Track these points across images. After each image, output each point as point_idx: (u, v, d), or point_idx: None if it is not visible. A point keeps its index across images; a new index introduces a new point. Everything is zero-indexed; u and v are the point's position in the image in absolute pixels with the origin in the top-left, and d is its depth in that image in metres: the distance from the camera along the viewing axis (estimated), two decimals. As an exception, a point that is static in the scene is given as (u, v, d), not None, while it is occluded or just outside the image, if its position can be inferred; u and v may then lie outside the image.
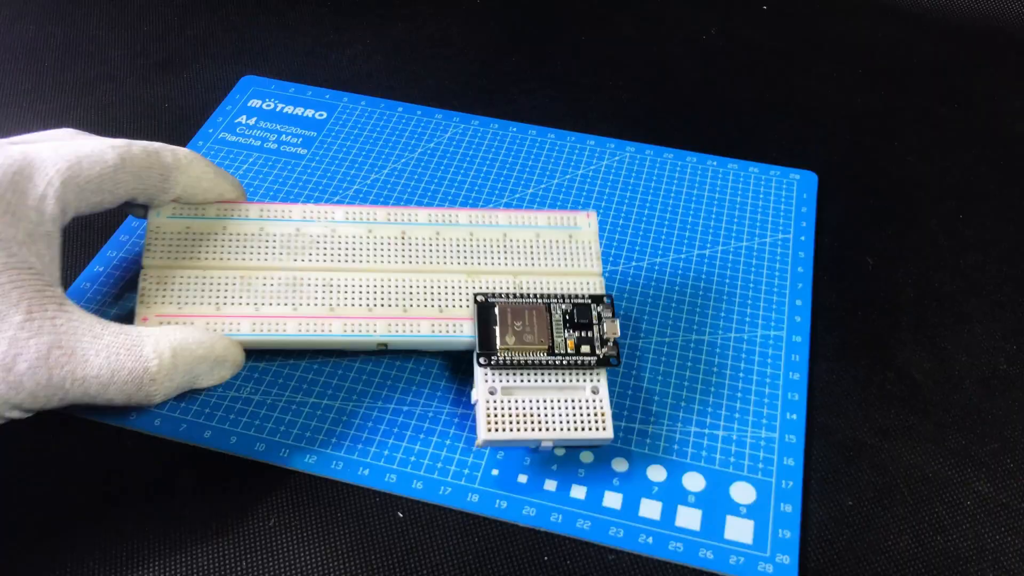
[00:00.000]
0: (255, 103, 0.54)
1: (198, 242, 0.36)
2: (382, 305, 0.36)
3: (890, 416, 0.39)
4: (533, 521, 0.35)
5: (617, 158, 0.50)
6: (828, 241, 0.46)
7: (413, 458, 0.36)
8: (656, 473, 0.36)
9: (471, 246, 0.38)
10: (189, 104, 0.54)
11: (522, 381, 0.34)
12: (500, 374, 0.34)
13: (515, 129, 0.52)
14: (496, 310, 0.35)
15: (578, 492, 0.35)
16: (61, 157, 0.33)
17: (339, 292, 0.36)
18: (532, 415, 0.34)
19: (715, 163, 0.50)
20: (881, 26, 0.61)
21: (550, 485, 0.36)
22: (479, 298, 0.36)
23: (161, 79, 0.56)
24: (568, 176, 0.49)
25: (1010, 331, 0.42)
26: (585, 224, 0.39)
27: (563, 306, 0.36)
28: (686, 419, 0.38)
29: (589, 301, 0.37)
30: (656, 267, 0.43)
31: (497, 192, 0.48)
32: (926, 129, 0.53)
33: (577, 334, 0.36)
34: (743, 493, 0.35)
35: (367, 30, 0.60)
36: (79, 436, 0.37)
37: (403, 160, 0.50)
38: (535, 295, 0.36)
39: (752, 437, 0.37)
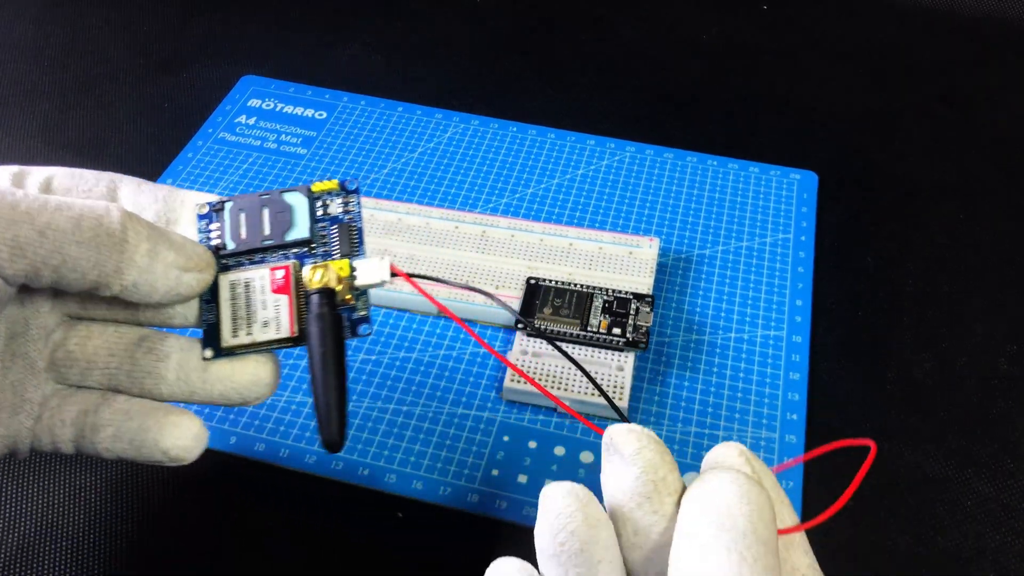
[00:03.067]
0: (255, 103, 0.54)
1: None
2: (449, 278, 0.41)
3: (890, 416, 0.39)
4: (533, 521, 0.35)
5: (617, 158, 0.50)
6: (828, 241, 0.46)
7: (413, 458, 0.36)
8: (656, 473, 0.36)
9: (540, 249, 0.43)
10: (189, 104, 0.54)
11: (553, 350, 0.38)
12: (534, 341, 0.39)
13: (515, 129, 0.52)
14: (542, 289, 0.40)
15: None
16: None
17: (416, 264, 0.42)
18: (554, 377, 0.38)
19: (715, 163, 0.50)
20: (881, 26, 0.61)
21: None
22: (531, 280, 0.41)
23: (161, 79, 0.56)
24: (568, 176, 0.49)
25: (1010, 331, 0.42)
26: (646, 246, 0.43)
27: (605, 297, 0.40)
28: (686, 419, 0.38)
29: (631, 296, 0.40)
30: (656, 267, 0.43)
31: (497, 192, 0.48)
32: (926, 129, 0.53)
33: (612, 319, 0.39)
34: (743, 493, 0.35)
35: (367, 30, 0.60)
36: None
37: (403, 160, 0.50)
38: (583, 285, 0.40)
39: (752, 437, 0.37)
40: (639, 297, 0.40)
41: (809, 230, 0.46)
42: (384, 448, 0.37)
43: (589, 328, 0.39)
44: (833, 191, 0.49)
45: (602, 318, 0.39)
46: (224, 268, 0.28)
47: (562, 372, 0.38)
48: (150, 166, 0.49)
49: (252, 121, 0.52)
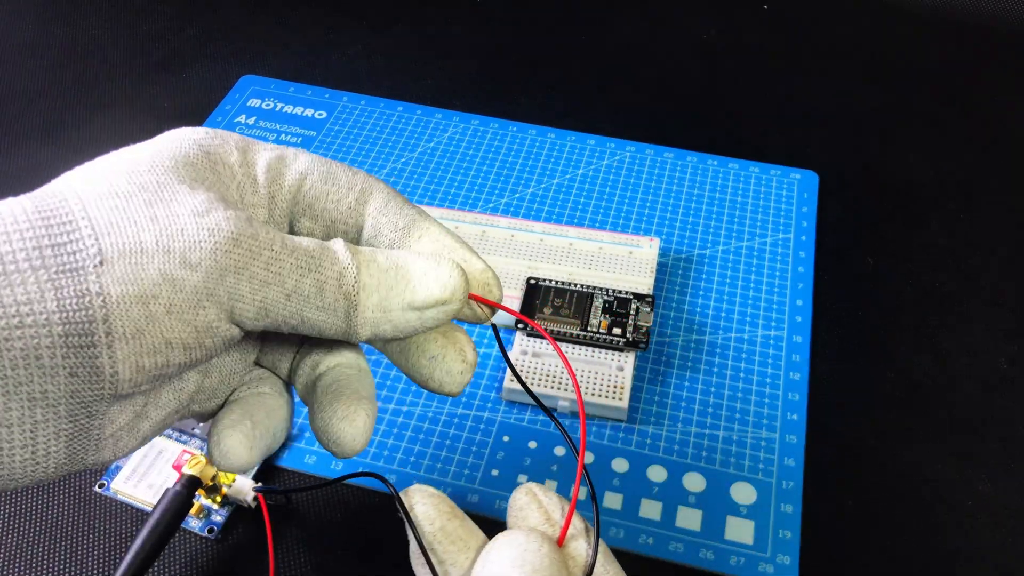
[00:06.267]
0: (255, 103, 0.54)
1: None
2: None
3: (890, 416, 0.39)
4: (533, 521, 0.35)
5: (617, 158, 0.50)
6: (829, 241, 0.46)
7: (413, 458, 0.36)
8: (656, 473, 0.36)
9: (540, 249, 0.43)
10: (189, 104, 0.54)
11: (553, 350, 0.39)
12: (535, 340, 0.39)
13: (515, 129, 0.52)
14: (542, 289, 0.40)
15: (579, 492, 0.35)
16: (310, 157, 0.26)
17: None
18: (554, 377, 0.38)
19: (715, 163, 0.50)
20: (881, 26, 0.61)
21: (550, 485, 0.36)
22: (531, 280, 0.41)
23: (161, 79, 0.56)
24: (568, 176, 0.49)
25: (1010, 332, 0.42)
26: (647, 246, 0.43)
27: (605, 297, 0.40)
28: (686, 419, 0.38)
29: (631, 297, 0.40)
30: (656, 267, 0.43)
31: (497, 192, 0.48)
32: (927, 129, 0.53)
33: (612, 319, 0.39)
34: (743, 493, 0.35)
35: (367, 30, 0.60)
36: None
37: (403, 160, 0.50)
38: (583, 285, 0.40)
39: (752, 437, 0.37)
40: (639, 297, 0.40)
41: (809, 230, 0.46)
42: (384, 448, 0.37)
43: (589, 328, 0.39)
44: (834, 191, 0.48)
45: (602, 318, 0.39)
46: None
47: (562, 372, 0.38)
48: (150, 166, 0.49)
49: (252, 121, 0.52)
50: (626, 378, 0.38)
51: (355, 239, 0.26)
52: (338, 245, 0.23)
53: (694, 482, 0.36)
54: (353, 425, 0.24)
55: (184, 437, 0.36)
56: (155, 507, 0.33)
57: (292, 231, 0.26)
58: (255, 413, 0.25)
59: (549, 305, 0.40)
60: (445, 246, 0.26)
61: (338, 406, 0.25)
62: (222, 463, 0.24)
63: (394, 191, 0.27)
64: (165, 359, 0.21)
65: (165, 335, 0.21)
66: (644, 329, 0.39)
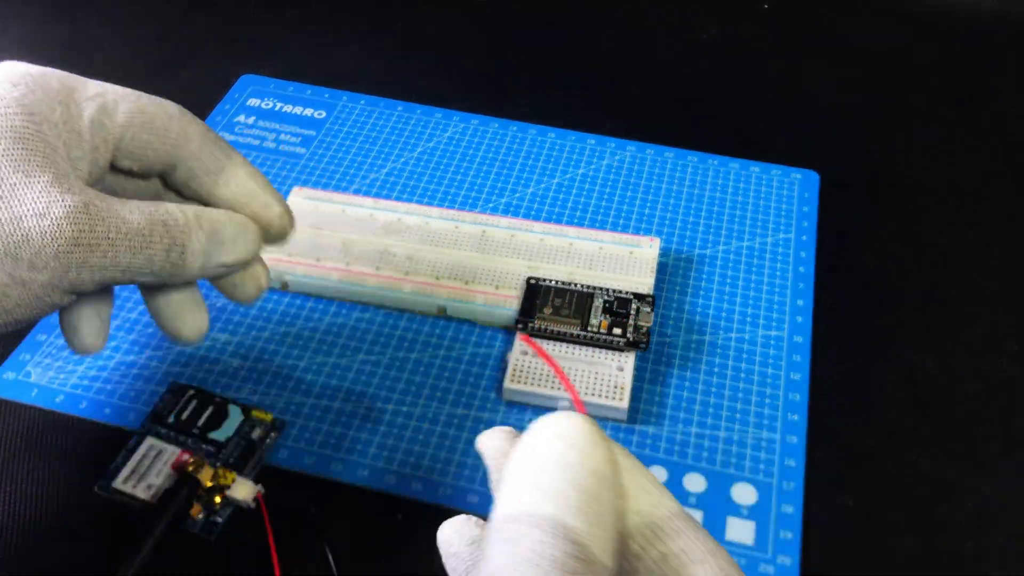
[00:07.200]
0: (254, 102, 0.54)
1: (320, 217, 0.44)
2: (448, 278, 0.41)
3: (891, 416, 0.39)
4: (533, 522, 0.34)
5: (617, 158, 0.50)
6: (830, 241, 0.46)
7: (413, 458, 0.36)
8: (657, 474, 0.36)
9: (539, 249, 0.43)
10: (188, 103, 0.53)
11: (553, 349, 0.39)
12: (534, 341, 0.39)
13: (515, 129, 0.52)
14: (542, 289, 0.40)
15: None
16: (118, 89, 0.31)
17: (415, 264, 0.42)
18: (555, 377, 0.37)
19: (716, 162, 0.50)
20: (882, 25, 0.61)
21: (550, 486, 0.35)
22: (531, 280, 0.41)
23: (160, 78, 0.56)
24: (568, 176, 0.49)
25: (1012, 332, 0.42)
26: (647, 246, 0.43)
27: (605, 297, 0.40)
28: (687, 419, 0.38)
29: (631, 297, 0.40)
30: (657, 267, 0.43)
31: (497, 192, 0.48)
32: (928, 129, 0.53)
33: (613, 319, 0.39)
34: (744, 494, 0.35)
35: (367, 30, 0.60)
36: (79, 434, 0.37)
37: (402, 160, 0.50)
38: (583, 285, 0.40)
39: (753, 438, 0.37)
40: (640, 297, 0.40)
41: (810, 230, 0.46)
42: (384, 448, 0.37)
43: (589, 328, 0.39)
44: (835, 191, 0.48)
45: (602, 318, 0.39)
46: (156, 434, 0.36)
47: (563, 372, 0.38)
48: (149, 166, 0.49)
49: (251, 120, 0.52)
50: (626, 378, 0.38)
51: (169, 174, 0.31)
52: (170, 216, 0.28)
53: (695, 483, 0.36)
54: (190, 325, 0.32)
55: (183, 439, 0.36)
56: (154, 508, 0.33)
57: (113, 166, 0.30)
58: (103, 310, 0.31)
59: (549, 305, 0.40)
60: (250, 191, 0.31)
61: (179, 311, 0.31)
62: (78, 353, 0.30)
63: (206, 131, 0.31)
64: (11, 318, 0.26)
65: (13, 316, 0.26)
66: (644, 329, 0.39)
